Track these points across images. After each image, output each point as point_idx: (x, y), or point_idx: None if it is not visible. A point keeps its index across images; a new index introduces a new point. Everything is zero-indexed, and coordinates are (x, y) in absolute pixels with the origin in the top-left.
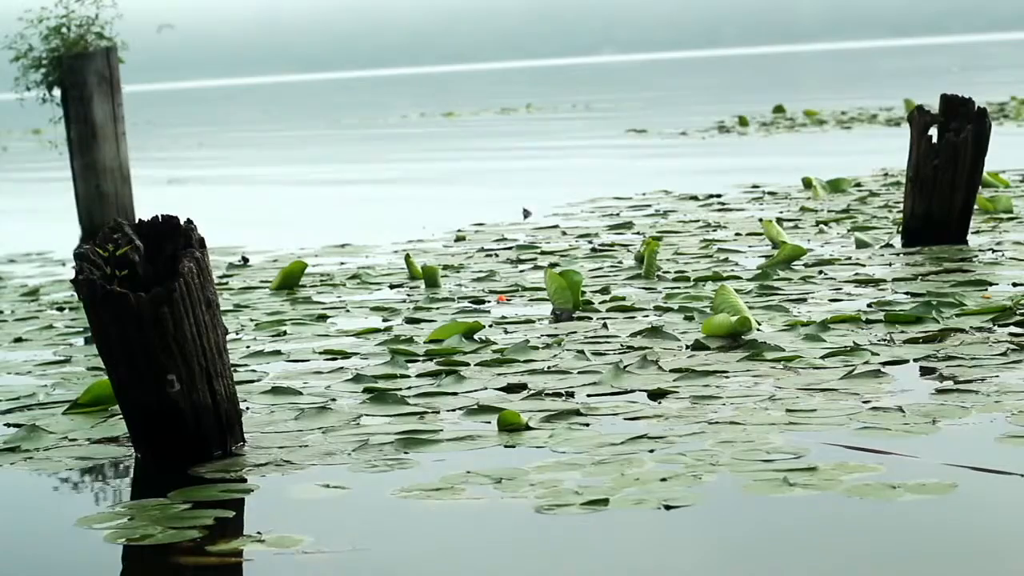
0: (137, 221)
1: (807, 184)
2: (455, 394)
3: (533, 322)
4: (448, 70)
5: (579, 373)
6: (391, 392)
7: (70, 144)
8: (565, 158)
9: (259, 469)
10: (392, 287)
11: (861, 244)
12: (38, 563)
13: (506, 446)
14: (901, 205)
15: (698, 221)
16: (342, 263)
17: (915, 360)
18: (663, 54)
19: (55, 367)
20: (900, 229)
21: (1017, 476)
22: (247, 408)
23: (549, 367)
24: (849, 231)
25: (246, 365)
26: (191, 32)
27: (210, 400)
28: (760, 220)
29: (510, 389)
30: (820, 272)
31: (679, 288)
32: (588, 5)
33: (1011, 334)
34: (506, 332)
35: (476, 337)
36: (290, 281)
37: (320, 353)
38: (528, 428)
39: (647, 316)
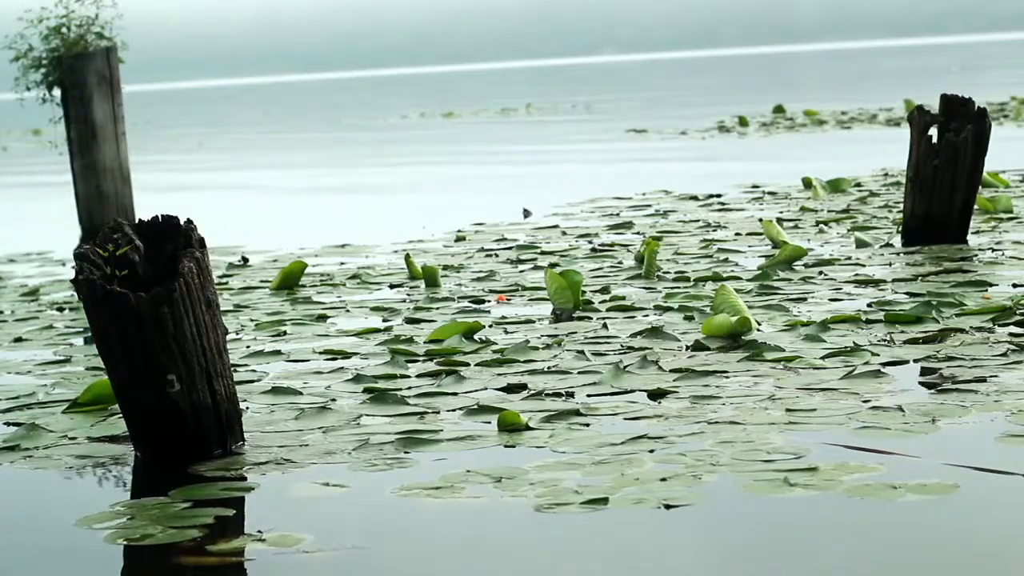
0: (137, 221)
1: (807, 184)
2: (455, 394)
3: (533, 322)
4: (448, 70)
5: (579, 373)
6: (391, 392)
7: (70, 144)
8: (565, 158)
9: (259, 468)
10: (392, 287)
11: (861, 244)
12: (38, 562)
13: (506, 446)
14: (901, 205)
15: (698, 221)
16: (342, 263)
17: (915, 360)
18: (663, 54)
19: (55, 367)
20: (900, 229)
21: (1018, 476)
22: (247, 408)
23: (549, 367)
24: (849, 231)
25: (246, 365)
26: (191, 32)
27: (210, 400)
28: (760, 220)
29: (510, 389)
30: (820, 272)
31: (679, 288)
32: (588, 5)
33: (1011, 334)
34: (506, 332)
35: (476, 337)
36: (290, 281)
37: (320, 353)
38: (528, 428)
39: (647, 316)
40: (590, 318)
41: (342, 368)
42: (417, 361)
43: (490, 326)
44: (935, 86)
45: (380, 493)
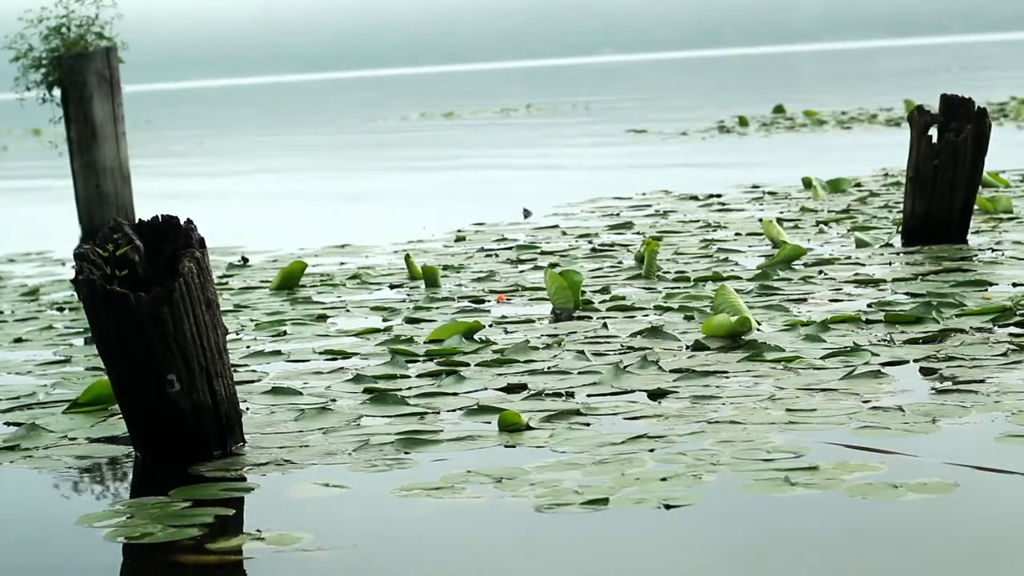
0: (137, 221)
1: (807, 184)
2: (455, 394)
3: (533, 322)
4: (448, 70)
5: (579, 373)
6: (391, 392)
7: (70, 144)
8: (565, 158)
9: (259, 468)
10: (392, 287)
11: (861, 244)
12: (38, 562)
13: (506, 446)
14: (901, 205)
15: (698, 221)
16: (342, 263)
17: (915, 360)
18: (663, 54)
19: (55, 367)
20: (900, 229)
21: (1018, 476)
22: (247, 408)
23: (549, 367)
24: (849, 231)
25: (246, 365)
26: (191, 32)
27: (210, 400)
28: (760, 220)
29: (510, 389)
30: (820, 272)
31: (679, 288)
32: (588, 5)
33: (1011, 334)
34: (506, 332)
35: (476, 337)
36: (290, 281)
37: (320, 353)
38: (528, 428)
39: (647, 316)
40: (590, 318)
41: (342, 368)
42: (417, 361)
43: (490, 326)
44: (935, 86)
45: (380, 493)
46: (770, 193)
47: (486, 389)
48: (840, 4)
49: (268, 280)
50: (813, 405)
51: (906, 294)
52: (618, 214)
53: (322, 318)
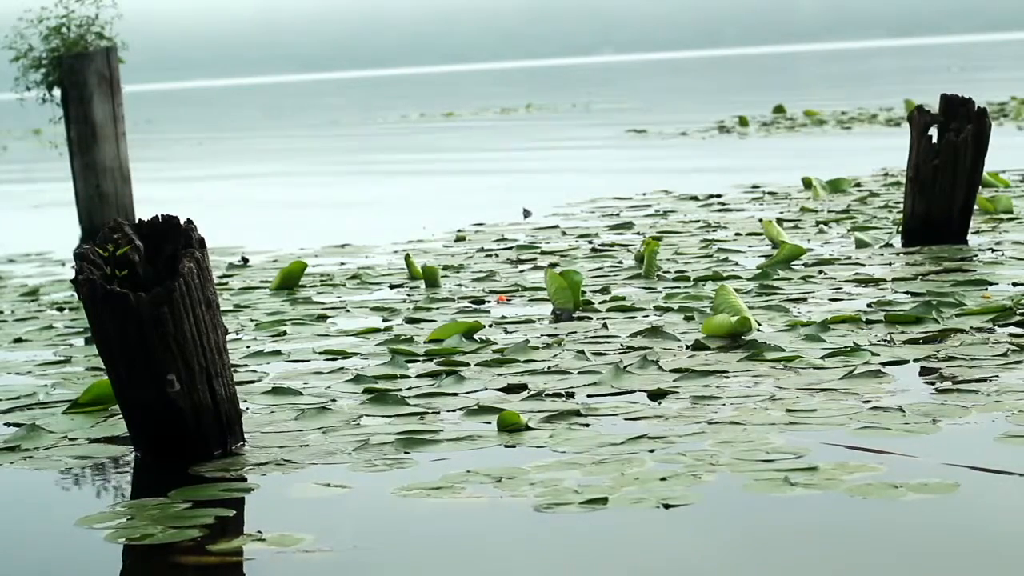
0: (137, 221)
1: (807, 184)
2: (455, 394)
3: (533, 322)
4: (448, 70)
5: (579, 373)
6: (391, 392)
7: (70, 144)
8: (565, 158)
9: (259, 468)
10: (392, 287)
11: (861, 244)
12: (38, 563)
13: (506, 446)
14: (901, 205)
15: (698, 221)
16: (342, 263)
17: (915, 360)
18: (663, 54)
19: (55, 367)
20: (900, 229)
21: (1018, 476)
22: (247, 408)
23: (549, 367)
24: (849, 231)
25: (246, 365)
26: (191, 32)
27: (210, 400)
28: (760, 220)
29: (510, 389)
30: (820, 272)
31: (679, 288)
32: (588, 5)
33: (1011, 334)
34: (506, 332)
35: (476, 337)
36: (290, 281)
37: (320, 353)
38: (528, 428)
39: (647, 316)
40: (590, 318)
41: (342, 368)
42: (417, 361)
43: (490, 326)
44: (935, 86)
45: (380, 493)
46: (770, 193)
47: (486, 389)
48: (840, 4)
49: (268, 280)
50: (813, 405)
51: (906, 294)
52: (618, 214)
53: (322, 318)
